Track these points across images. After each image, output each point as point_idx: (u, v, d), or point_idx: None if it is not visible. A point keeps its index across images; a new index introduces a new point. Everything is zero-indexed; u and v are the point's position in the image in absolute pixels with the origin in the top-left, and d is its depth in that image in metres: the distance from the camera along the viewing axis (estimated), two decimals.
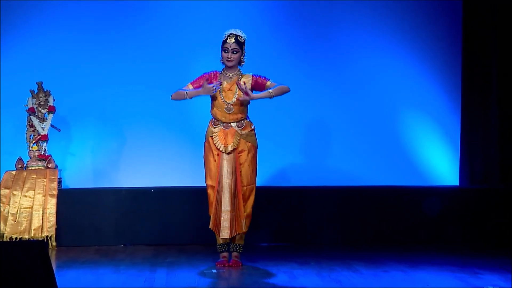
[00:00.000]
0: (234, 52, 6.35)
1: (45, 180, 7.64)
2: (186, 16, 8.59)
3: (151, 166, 8.44)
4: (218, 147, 6.36)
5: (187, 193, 7.95)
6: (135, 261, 6.81)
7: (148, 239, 7.78)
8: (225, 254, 6.48)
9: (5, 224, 7.48)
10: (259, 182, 8.31)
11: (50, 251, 7.31)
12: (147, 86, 8.50)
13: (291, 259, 6.81)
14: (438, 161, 8.69)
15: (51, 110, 7.85)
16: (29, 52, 8.42)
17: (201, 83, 6.37)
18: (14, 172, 7.70)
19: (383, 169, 8.63)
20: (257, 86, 6.40)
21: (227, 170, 6.35)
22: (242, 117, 6.42)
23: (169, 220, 7.83)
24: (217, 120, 6.42)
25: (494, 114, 8.49)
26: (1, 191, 7.57)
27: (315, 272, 6.17)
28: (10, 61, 8.38)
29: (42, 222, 7.51)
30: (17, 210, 7.53)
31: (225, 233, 6.33)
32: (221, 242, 6.46)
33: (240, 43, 6.36)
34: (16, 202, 7.55)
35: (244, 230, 6.40)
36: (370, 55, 8.71)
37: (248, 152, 6.41)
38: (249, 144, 6.43)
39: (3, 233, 7.45)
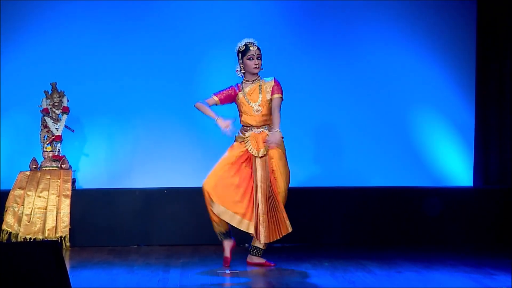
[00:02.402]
0: (259, 58, 6.46)
1: (59, 180, 7.66)
2: (200, 11, 8.59)
3: (165, 167, 8.45)
4: (250, 151, 6.37)
5: (200, 194, 7.95)
6: (149, 261, 6.82)
7: (161, 239, 7.79)
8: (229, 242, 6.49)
9: (19, 225, 7.50)
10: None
11: (64, 251, 7.33)
12: (162, 87, 8.52)
13: (305, 260, 6.81)
14: (452, 161, 8.66)
15: (65, 110, 7.88)
16: (43, 53, 8.45)
17: (224, 95, 6.53)
18: (28, 173, 7.73)
19: (395, 169, 8.61)
20: (272, 92, 6.44)
21: (261, 174, 6.35)
22: (271, 122, 6.44)
23: (182, 221, 7.83)
24: (248, 126, 6.45)
25: (509, 112, 8.43)
26: (15, 191, 7.60)
27: (329, 273, 6.16)
28: (24, 62, 8.42)
29: (56, 223, 7.53)
30: (31, 211, 7.55)
31: (263, 237, 6.33)
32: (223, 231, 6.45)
33: (260, 50, 6.49)
34: (30, 202, 7.57)
35: (290, 230, 6.40)
36: (384, 52, 8.68)
37: (280, 158, 6.40)
38: (279, 150, 6.41)
39: (17, 234, 7.47)
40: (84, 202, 7.74)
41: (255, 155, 6.38)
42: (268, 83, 6.48)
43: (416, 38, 8.68)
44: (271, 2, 8.66)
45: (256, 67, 6.45)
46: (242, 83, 6.54)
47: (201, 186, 8.10)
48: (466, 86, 8.67)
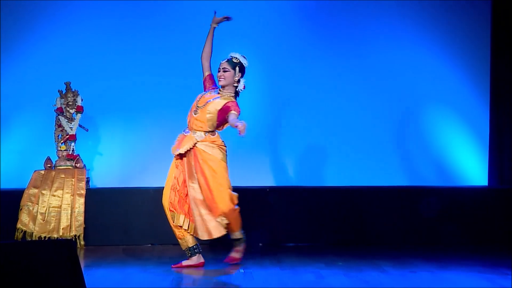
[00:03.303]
0: (225, 71, 6.40)
1: (73, 179, 7.68)
2: (214, 9, 8.60)
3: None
4: (172, 151, 6.51)
5: None
6: (163, 260, 6.82)
7: (175, 238, 7.78)
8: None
9: (34, 223, 7.52)
10: (285, 181, 8.34)
11: (78, 250, 7.35)
12: (175, 86, 8.53)
13: (318, 259, 6.80)
14: (466, 160, 8.63)
15: (79, 110, 7.90)
16: (57, 52, 8.48)
17: (207, 81, 6.58)
18: (42, 172, 7.75)
19: (409, 168, 8.59)
20: (223, 111, 6.33)
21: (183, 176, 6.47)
22: (204, 131, 6.39)
23: None
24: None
25: None
26: (30, 190, 7.62)
27: (343, 272, 6.15)
28: (38, 61, 8.45)
29: (70, 222, 7.54)
30: (46, 210, 7.57)
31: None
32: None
33: (233, 63, 6.41)
34: (45, 201, 7.59)
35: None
36: (398, 50, 8.67)
37: (207, 161, 6.38)
38: (209, 154, 6.38)
39: (32, 232, 7.49)
40: (98, 201, 7.75)
41: (172, 153, 6.45)
42: (224, 100, 6.36)
43: (430, 37, 8.65)
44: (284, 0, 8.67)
45: (219, 79, 6.42)
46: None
47: None
48: (481, 85, 8.63)
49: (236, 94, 6.47)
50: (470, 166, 8.62)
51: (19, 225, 7.51)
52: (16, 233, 7.48)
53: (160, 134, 8.48)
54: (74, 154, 7.89)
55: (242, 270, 6.28)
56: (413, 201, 7.90)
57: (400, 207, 7.89)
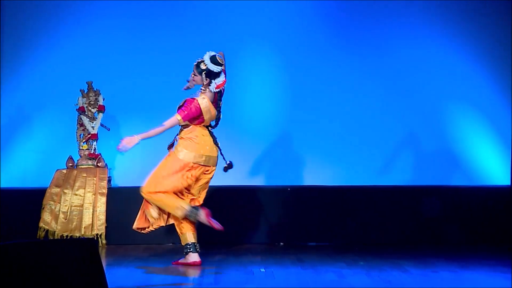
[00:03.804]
0: (194, 74, 6.60)
1: (95, 178, 7.71)
2: (234, 9, 8.61)
3: None
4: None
5: (234, 192, 7.97)
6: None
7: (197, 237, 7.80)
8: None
9: (56, 222, 7.56)
10: (306, 180, 8.33)
11: (100, 249, 7.37)
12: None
13: (340, 259, 6.78)
14: (488, 160, 8.57)
15: (101, 109, 7.92)
16: (79, 51, 8.52)
17: None
18: (64, 171, 7.78)
19: (431, 167, 8.55)
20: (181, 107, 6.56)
21: None
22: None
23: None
24: None
25: None
26: (52, 189, 7.66)
27: (364, 272, 6.13)
28: (60, 61, 8.49)
29: (92, 220, 7.57)
30: (68, 208, 7.60)
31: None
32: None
33: (199, 69, 6.54)
34: (67, 200, 7.62)
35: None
36: (419, 49, 8.63)
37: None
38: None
39: (54, 231, 7.53)
40: (120, 200, 7.77)
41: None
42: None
43: (452, 35, 8.61)
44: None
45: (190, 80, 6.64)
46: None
47: (237, 184, 8.16)
48: (503, 83, 8.57)
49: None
50: (493, 165, 8.56)
51: (41, 224, 7.54)
52: (38, 231, 7.52)
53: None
54: (96, 153, 7.91)
55: (263, 270, 6.27)
56: (435, 200, 7.86)
57: (422, 206, 7.85)
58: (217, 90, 6.51)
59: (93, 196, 7.64)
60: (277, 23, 8.60)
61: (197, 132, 6.49)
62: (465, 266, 6.43)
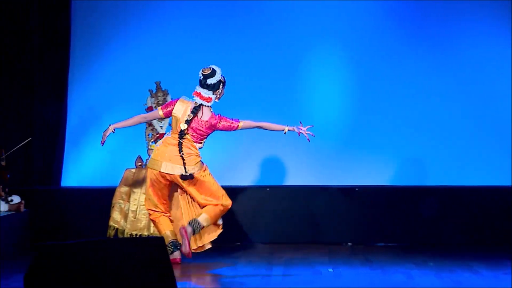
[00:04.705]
0: None
1: None
2: (304, 9, 8.61)
3: (266, 165, 8.47)
4: None
5: (304, 192, 7.95)
6: (251, 259, 6.84)
7: (264, 237, 7.81)
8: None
9: (126, 221, 7.63)
10: (375, 180, 8.27)
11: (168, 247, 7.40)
12: (265, 85, 8.55)
13: (408, 259, 6.71)
14: None
15: None
16: (148, 52, 8.60)
17: None
18: (133, 170, 7.85)
19: (494, 167, 8.38)
20: None
21: None
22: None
23: (285, 219, 7.83)
24: None
25: None
26: (122, 188, 7.73)
27: (434, 273, 6.06)
28: (129, 61, 8.58)
29: None
30: (137, 207, 7.66)
31: None
32: None
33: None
34: (136, 199, 7.69)
35: None
36: (489, 47, 8.49)
37: None
38: None
39: (124, 230, 7.60)
40: None
41: None
42: None
43: None
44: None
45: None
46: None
47: (302, 184, 8.15)
48: None
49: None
50: None
51: (111, 223, 7.62)
52: (108, 230, 7.60)
53: (249, 132, 8.49)
54: None
55: (331, 270, 6.24)
56: (507, 200, 7.72)
57: (494, 207, 7.72)
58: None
59: None
60: (346, 23, 8.55)
61: None
62: None
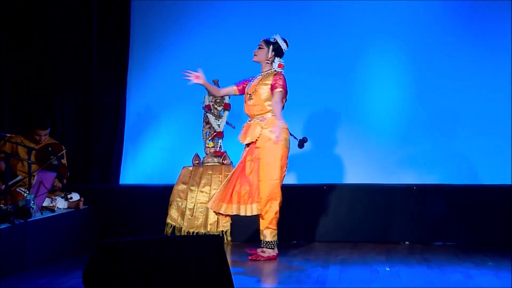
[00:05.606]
0: (259, 48, 6.74)
1: (220, 176, 7.80)
2: (359, 8, 8.58)
3: (323, 163, 8.47)
4: (239, 140, 6.76)
5: (359, 190, 7.92)
6: (308, 257, 6.84)
7: (320, 236, 7.80)
8: None
9: (183, 219, 7.69)
10: (437, 179, 8.19)
11: (225, 246, 7.45)
12: (318, 83, 8.53)
13: (467, 259, 6.65)
14: None
15: (227, 107, 8.01)
16: (205, 50, 8.65)
17: (240, 86, 6.91)
18: (191, 168, 7.91)
19: None
20: (272, 86, 6.62)
21: (242, 159, 6.78)
22: (264, 113, 6.63)
23: (341, 217, 7.81)
24: (247, 116, 6.79)
25: None
26: (179, 186, 7.79)
27: (493, 273, 5.99)
28: (188, 59, 8.63)
29: (217, 217, 7.65)
30: (194, 205, 7.72)
31: (210, 203, 6.84)
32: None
33: (268, 43, 6.71)
34: (193, 197, 7.74)
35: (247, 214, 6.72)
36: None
37: (270, 150, 6.58)
38: (274, 142, 6.54)
39: (181, 227, 7.66)
40: None
41: (241, 142, 6.69)
42: (270, 76, 6.65)
43: None
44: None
45: (254, 55, 6.74)
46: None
47: (359, 182, 8.12)
48: None
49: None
50: None
51: (168, 220, 7.69)
52: (165, 228, 7.67)
53: (305, 129, 8.50)
54: (222, 150, 8.01)
55: (388, 269, 6.21)
56: None
57: None
58: (279, 69, 6.62)
59: None
60: (405, 21, 8.52)
61: None
62: None
